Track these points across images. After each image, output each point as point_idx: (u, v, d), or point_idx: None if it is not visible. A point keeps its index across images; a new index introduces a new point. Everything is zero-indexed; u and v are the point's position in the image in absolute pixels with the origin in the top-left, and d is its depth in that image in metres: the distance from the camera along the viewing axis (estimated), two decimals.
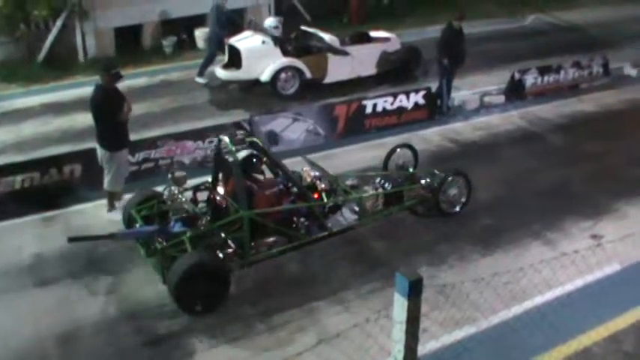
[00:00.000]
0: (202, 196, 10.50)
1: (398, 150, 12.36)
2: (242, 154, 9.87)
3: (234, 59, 16.80)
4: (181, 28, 21.17)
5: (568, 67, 18.34)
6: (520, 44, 22.83)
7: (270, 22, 17.57)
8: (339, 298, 9.40)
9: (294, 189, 10.26)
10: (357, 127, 14.68)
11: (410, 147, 12.54)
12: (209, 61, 17.85)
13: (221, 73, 17.07)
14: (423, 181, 11.41)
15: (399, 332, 5.24)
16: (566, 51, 21.11)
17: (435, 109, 15.92)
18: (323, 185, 10.69)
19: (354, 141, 14.39)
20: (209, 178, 10.52)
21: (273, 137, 13.74)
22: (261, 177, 10.30)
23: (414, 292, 5.08)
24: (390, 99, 15.19)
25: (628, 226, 11.19)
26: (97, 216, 11.41)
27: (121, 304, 9.30)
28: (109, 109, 10.82)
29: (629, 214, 11.96)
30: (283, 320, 8.93)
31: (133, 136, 11.58)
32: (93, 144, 11.55)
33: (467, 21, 16.70)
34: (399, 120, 15.22)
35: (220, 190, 10.21)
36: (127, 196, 11.21)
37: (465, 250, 10.64)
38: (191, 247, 9.07)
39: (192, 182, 10.58)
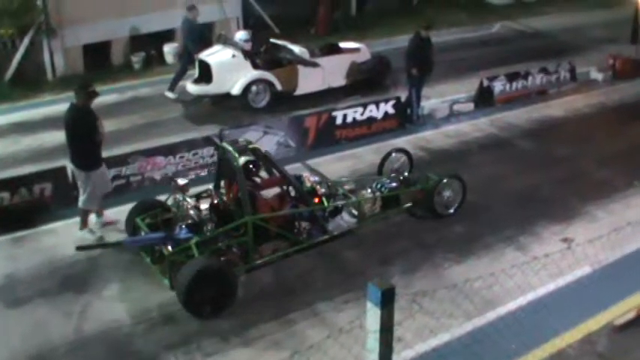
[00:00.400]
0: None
1: (393, 154, 12.69)
2: (242, 160, 10.01)
3: (205, 74, 16.79)
4: (150, 43, 21.10)
5: (536, 73, 18.53)
6: (488, 52, 23.05)
7: (240, 35, 17.62)
8: (314, 310, 9.38)
9: (296, 193, 10.58)
10: (328, 138, 14.72)
11: (404, 151, 12.90)
12: (180, 75, 17.81)
13: (192, 88, 17.04)
14: (418, 185, 11.67)
15: (373, 342, 5.24)
16: (534, 57, 21.32)
17: (405, 119, 15.98)
18: (323, 190, 11.00)
19: (325, 152, 14.43)
20: (210, 186, 10.86)
21: None
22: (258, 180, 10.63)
23: (387, 301, 5.08)
24: (360, 109, 15.23)
25: (597, 228, 11.26)
26: (69, 234, 11.31)
27: (94, 324, 9.20)
28: (84, 129, 10.71)
29: (598, 216, 12.09)
30: (259, 334, 8.90)
31: (104, 154, 11.51)
32: (63, 162, 11.50)
33: (434, 30, 16.85)
34: (370, 130, 15.26)
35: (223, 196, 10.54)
36: (109, 213, 11.39)
37: (438, 257, 10.67)
38: (197, 253, 9.28)
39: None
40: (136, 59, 20.68)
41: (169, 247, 9.54)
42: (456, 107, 17.07)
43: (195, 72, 17.18)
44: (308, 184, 10.99)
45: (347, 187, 11.43)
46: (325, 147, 14.46)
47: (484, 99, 17.50)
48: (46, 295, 9.81)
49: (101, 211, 11.57)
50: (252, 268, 9.88)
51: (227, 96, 16.78)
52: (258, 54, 17.41)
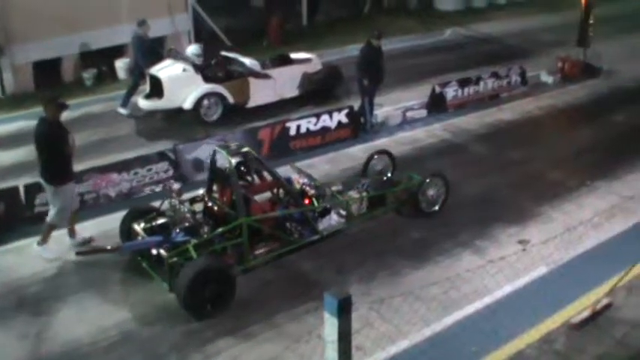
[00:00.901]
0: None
1: (375, 156, 13.04)
2: (233, 162, 10.28)
3: (156, 89, 16.64)
4: (101, 59, 20.90)
5: (487, 77, 18.68)
6: (439, 58, 23.22)
7: (192, 49, 17.50)
8: (272, 322, 9.33)
9: (287, 195, 10.91)
10: (282, 149, 14.67)
11: (387, 153, 13.28)
12: (132, 91, 17.62)
13: (143, 103, 16.88)
14: (402, 185, 12.05)
15: (331, 351, 5.24)
16: (485, 62, 21.60)
17: (359, 127, 16.01)
18: (313, 191, 11.27)
19: (279, 163, 14.29)
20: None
21: (199, 165, 13.64)
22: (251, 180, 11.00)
23: (344, 310, 5.09)
24: (313, 119, 15.24)
25: (552, 228, 11.43)
26: (24, 255, 11.11)
27: (52, 345, 9.03)
28: (54, 143, 10.57)
29: (553, 217, 12.22)
30: (217, 349, 8.82)
31: None
32: (16, 182, 11.32)
33: (386, 38, 16.90)
34: (324, 140, 15.26)
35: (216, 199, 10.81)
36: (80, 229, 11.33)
37: (395, 265, 10.67)
38: (195, 255, 9.49)
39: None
40: (88, 75, 20.45)
41: (165, 250, 9.71)
42: (409, 114, 17.14)
43: (147, 87, 17.03)
44: (297, 186, 11.31)
45: (334, 188, 11.69)
46: (280, 158, 14.36)
47: (437, 105, 17.60)
48: (1, 317, 9.61)
49: (73, 230, 11.34)
50: (248, 269, 10.09)
51: (179, 110, 16.65)
52: (210, 67, 17.32)
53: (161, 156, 13.42)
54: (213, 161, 10.92)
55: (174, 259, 9.53)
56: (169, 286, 9.52)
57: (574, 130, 16.82)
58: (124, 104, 17.57)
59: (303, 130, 15.02)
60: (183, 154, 13.58)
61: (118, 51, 20.86)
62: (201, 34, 23.50)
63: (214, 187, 11.08)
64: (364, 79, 15.89)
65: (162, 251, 9.76)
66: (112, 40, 20.51)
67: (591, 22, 20.50)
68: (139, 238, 10.26)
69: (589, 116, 17.74)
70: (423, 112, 17.42)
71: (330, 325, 5.16)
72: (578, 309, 9.34)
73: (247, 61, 17.53)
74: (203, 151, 13.75)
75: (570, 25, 22.27)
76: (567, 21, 24.57)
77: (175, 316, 9.44)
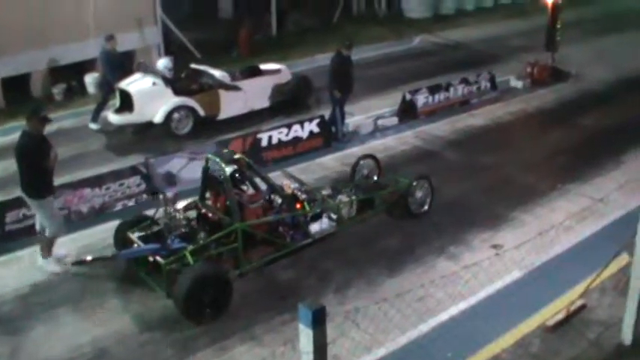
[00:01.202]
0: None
1: (361, 162, 13.27)
2: (228, 170, 10.45)
3: (126, 103, 16.55)
4: (71, 74, 20.76)
5: (457, 84, 18.80)
6: (409, 65, 23.34)
7: (162, 62, 17.43)
8: (249, 333, 9.31)
9: (279, 200, 11.08)
10: (254, 160, 14.51)
11: (372, 157, 13.56)
12: (102, 106, 17.50)
13: (113, 117, 16.77)
14: (389, 188, 12.33)
15: None
16: (454, 69, 21.71)
17: (331, 137, 16.04)
18: (304, 196, 11.47)
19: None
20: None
21: (171, 178, 13.59)
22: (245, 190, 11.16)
23: (318, 321, 5.08)
24: (284, 130, 15.23)
25: (525, 232, 11.51)
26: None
27: None
28: (36, 156, 10.43)
29: (525, 221, 12.30)
30: None
31: None
32: None
33: (355, 46, 16.91)
34: (296, 150, 15.25)
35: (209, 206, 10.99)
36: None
37: (371, 273, 10.69)
38: (192, 261, 9.66)
39: None
40: (57, 91, 20.28)
41: (161, 258, 9.77)
42: (380, 122, 17.20)
43: (117, 102, 16.93)
44: (288, 191, 11.41)
45: (324, 192, 11.95)
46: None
47: (407, 112, 17.67)
48: None
49: (47, 251, 11.06)
50: (243, 273, 10.26)
51: (150, 124, 16.58)
52: (179, 80, 17.27)
53: (133, 170, 13.34)
54: (206, 169, 11.01)
55: (172, 265, 9.65)
56: (167, 293, 9.62)
57: (544, 134, 16.96)
58: (94, 119, 17.45)
59: (274, 140, 15.01)
60: (155, 168, 13.52)
61: (87, 66, 20.73)
62: (170, 47, 23.43)
63: (207, 195, 11.22)
64: (335, 89, 15.91)
65: (158, 258, 9.83)
66: (82, 55, 20.39)
67: (559, 26, 20.69)
68: (135, 246, 10.33)
69: (558, 120, 17.88)
70: (394, 120, 17.49)
71: (305, 337, 5.16)
72: (552, 312, 9.41)
73: (217, 73, 17.50)
74: (175, 164, 13.72)
75: (538, 29, 22.50)
76: (535, 26, 24.82)
77: (150, 332, 9.40)
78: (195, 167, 13.75)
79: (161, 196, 10.89)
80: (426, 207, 12.56)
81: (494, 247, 11.36)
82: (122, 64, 17.67)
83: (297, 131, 15.35)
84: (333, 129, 16.16)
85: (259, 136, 14.88)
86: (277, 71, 18.56)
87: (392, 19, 30.63)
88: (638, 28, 28.63)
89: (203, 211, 10.91)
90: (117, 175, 13.18)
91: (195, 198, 11.17)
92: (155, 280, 10.00)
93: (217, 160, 10.60)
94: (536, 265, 10.32)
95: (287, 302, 9.79)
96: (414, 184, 12.29)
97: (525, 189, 13.62)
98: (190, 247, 9.91)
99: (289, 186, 11.65)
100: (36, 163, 10.46)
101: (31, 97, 20.22)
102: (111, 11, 19.90)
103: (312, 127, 15.51)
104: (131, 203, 13.16)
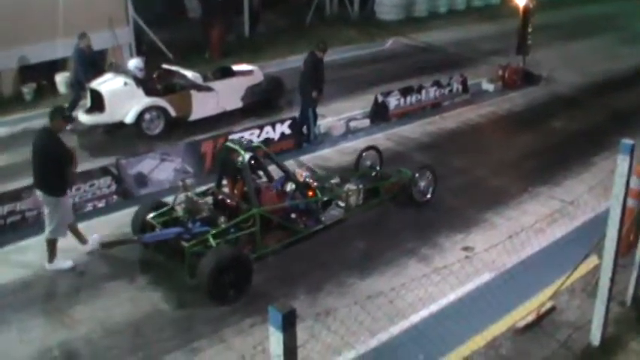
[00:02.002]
0: None
1: (364, 153, 13.89)
2: (246, 157, 11.04)
3: (97, 103, 16.42)
4: (41, 73, 20.54)
5: (429, 86, 18.84)
6: (381, 67, 23.39)
7: (134, 62, 17.29)
8: (219, 336, 9.28)
9: (293, 187, 11.70)
10: None
11: (375, 148, 14.14)
12: (73, 105, 17.36)
13: (84, 117, 16.62)
14: (392, 178, 12.97)
15: None
16: (427, 71, 21.78)
17: (302, 138, 16.01)
18: (316, 183, 12.11)
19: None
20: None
21: (142, 179, 13.50)
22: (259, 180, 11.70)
23: (288, 324, 5.04)
24: (256, 131, 15.20)
25: (496, 235, 11.56)
26: None
27: None
28: (60, 156, 10.57)
29: (496, 223, 12.39)
30: None
31: None
32: None
33: (328, 48, 16.87)
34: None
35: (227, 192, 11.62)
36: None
37: (341, 275, 10.69)
38: (214, 244, 10.16)
39: None
40: (27, 90, 20.02)
41: (184, 241, 10.19)
42: (352, 124, 17.20)
43: (87, 101, 16.79)
44: (300, 179, 12.02)
45: (333, 181, 12.64)
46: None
47: (379, 115, 17.70)
48: None
49: (52, 255, 10.95)
50: (260, 257, 10.71)
51: (121, 125, 16.46)
52: (151, 81, 17.16)
53: (104, 171, 13.23)
54: (223, 156, 11.66)
55: (195, 248, 10.04)
56: (190, 275, 9.94)
57: (515, 137, 17.06)
58: None
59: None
60: (126, 168, 13.41)
61: (58, 65, 20.53)
62: (142, 47, 23.28)
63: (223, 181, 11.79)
64: (309, 90, 15.84)
65: (182, 242, 10.21)
66: (52, 54, 20.16)
67: (530, 30, 20.83)
68: (157, 230, 10.65)
69: (529, 123, 18.00)
70: (366, 122, 17.52)
71: (275, 340, 5.12)
72: (522, 314, 9.47)
73: (189, 73, 17.42)
74: (146, 165, 13.62)
75: (510, 33, 22.59)
76: (507, 29, 24.91)
77: (121, 334, 9.33)
78: (166, 168, 13.73)
79: (180, 183, 11.32)
80: (428, 195, 13.14)
81: (465, 249, 11.43)
82: (95, 62, 17.55)
83: (268, 132, 15.33)
84: (305, 130, 16.11)
85: (231, 137, 14.78)
86: (249, 72, 18.52)
87: (364, 21, 30.66)
88: (608, 33, 29.03)
89: (220, 197, 11.42)
90: (87, 176, 13.02)
91: (211, 185, 11.82)
92: (175, 263, 10.32)
93: (237, 147, 11.15)
94: (507, 267, 10.35)
95: (257, 304, 9.76)
96: (417, 175, 12.86)
97: (496, 191, 13.70)
98: (212, 231, 10.33)
99: (301, 174, 12.36)
100: (59, 163, 10.58)
101: (0, 96, 19.97)
102: (82, 10, 19.67)
103: (284, 128, 15.50)
104: (101, 204, 13.05)
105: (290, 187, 11.81)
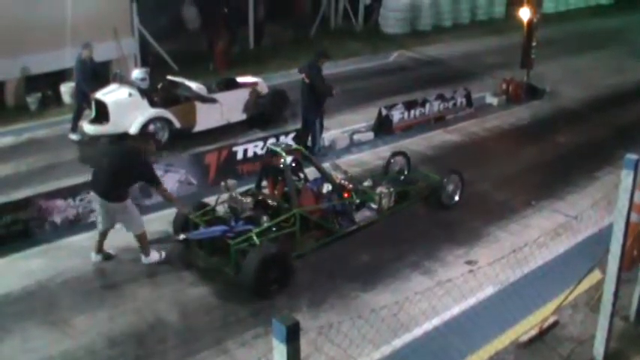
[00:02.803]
0: None
1: (393, 159, 14.44)
2: (288, 159, 11.73)
3: (102, 113, 16.44)
4: (46, 83, 20.57)
5: (433, 100, 18.86)
6: (386, 80, 23.42)
7: (137, 73, 17.31)
8: (222, 348, 9.26)
9: (329, 188, 12.14)
10: (229, 173, 14.50)
11: (403, 154, 14.65)
12: (78, 115, 17.37)
13: (89, 128, 16.63)
14: (420, 182, 13.66)
15: None
16: (431, 84, 21.84)
17: (307, 150, 15.95)
18: (351, 185, 12.58)
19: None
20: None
21: (146, 190, 13.48)
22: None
23: (292, 336, 5.04)
24: (260, 144, 15.16)
25: (499, 249, 11.57)
26: None
27: None
28: (138, 173, 11.15)
29: (500, 237, 12.39)
30: None
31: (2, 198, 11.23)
32: None
33: (333, 60, 16.90)
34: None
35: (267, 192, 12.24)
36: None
37: (345, 288, 10.69)
38: (258, 242, 10.59)
39: None
40: (32, 100, 20.04)
41: (229, 239, 10.64)
42: (356, 137, 17.22)
43: (92, 112, 16.82)
44: (336, 182, 12.43)
45: (366, 183, 13.12)
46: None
47: (383, 128, 17.73)
48: None
49: (146, 249, 11.44)
50: (299, 255, 11.18)
51: (125, 135, 16.45)
52: (156, 92, 17.19)
53: None
54: (266, 159, 12.42)
55: (239, 246, 10.46)
56: (234, 270, 10.44)
57: (519, 151, 17.07)
58: (74, 129, 17.27)
59: (250, 154, 14.97)
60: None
61: (63, 75, 20.56)
62: (147, 58, 23.33)
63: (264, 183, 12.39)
64: (321, 100, 15.86)
65: (227, 239, 10.65)
66: (57, 64, 20.15)
67: (534, 44, 20.86)
68: (201, 228, 11.05)
69: (533, 137, 18.03)
70: (370, 135, 17.54)
71: (278, 352, 5.12)
72: (525, 328, 9.46)
73: (194, 85, 17.44)
74: None
75: (514, 47, 22.66)
76: (511, 43, 24.96)
77: (124, 344, 9.33)
78: (170, 179, 13.71)
79: (222, 184, 11.69)
80: (456, 198, 13.63)
81: (469, 262, 11.44)
82: (96, 73, 17.50)
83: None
84: (309, 142, 16.08)
85: (234, 149, 14.82)
86: (254, 84, 18.53)
87: (369, 34, 30.67)
88: (612, 47, 29.05)
89: (260, 197, 11.89)
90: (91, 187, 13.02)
91: (251, 186, 12.36)
92: (218, 259, 10.91)
93: (279, 150, 11.66)
94: (510, 281, 10.34)
95: (260, 316, 9.79)
96: (445, 180, 13.38)
97: (500, 205, 13.71)
98: (256, 229, 10.74)
99: (337, 177, 12.71)
100: (134, 178, 11.28)
101: (5, 106, 20.00)
102: (87, 21, 19.74)
103: (288, 141, 15.42)
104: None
105: (326, 188, 12.21)
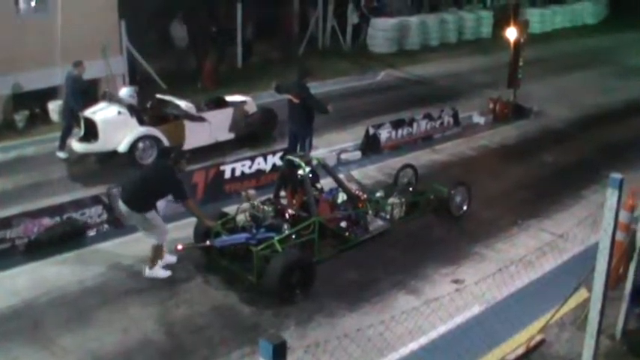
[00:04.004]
0: None
1: (402, 172, 14.92)
2: (307, 170, 12.11)
3: (90, 131, 16.43)
4: (34, 101, 20.51)
5: (420, 119, 18.92)
6: (373, 100, 23.48)
7: (125, 92, 17.35)
8: None
9: (344, 198, 12.79)
10: (217, 192, 14.56)
11: (411, 167, 15.18)
12: (66, 133, 17.34)
13: (77, 146, 16.62)
14: (429, 193, 13.96)
15: None
16: (418, 104, 21.93)
17: None
18: (365, 195, 13.20)
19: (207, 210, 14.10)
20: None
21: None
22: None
23: (279, 356, 5.05)
24: (248, 162, 15.17)
25: (486, 267, 11.64)
26: None
27: None
28: (167, 189, 11.53)
29: (486, 256, 12.44)
30: None
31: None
32: None
33: (320, 80, 16.90)
34: (259, 182, 15.11)
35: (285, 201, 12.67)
36: None
37: (332, 306, 10.70)
38: (280, 249, 10.93)
39: None
40: (19, 118, 19.97)
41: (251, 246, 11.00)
42: (343, 156, 17.24)
43: (81, 130, 16.81)
44: (352, 192, 13.04)
45: (378, 194, 13.59)
46: (214, 202, 14.14)
47: (371, 147, 17.77)
48: None
49: (153, 261, 11.64)
50: (319, 261, 11.50)
51: (114, 153, 16.47)
52: (145, 110, 17.20)
53: (95, 200, 13.22)
54: (284, 169, 12.79)
55: (262, 252, 10.82)
56: (257, 277, 10.73)
57: (505, 169, 17.16)
58: (62, 147, 17.25)
59: (237, 173, 14.95)
60: (118, 197, 13.38)
61: (51, 93, 20.52)
62: (136, 76, 23.35)
63: (282, 193, 12.80)
64: (312, 116, 15.89)
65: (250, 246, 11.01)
66: (46, 82, 20.13)
67: (521, 64, 20.99)
68: (223, 236, 11.32)
69: (519, 156, 18.13)
70: (358, 154, 17.57)
71: None
72: (512, 346, 9.50)
73: (182, 103, 17.44)
74: None
75: (501, 66, 22.81)
76: (498, 63, 25.18)
77: None
78: None
79: (243, 193, 12.40)
80: (465, 207, 14.05)
81: (455, 281, 11.47)
82: (86, 91, 17.53)
83: (260, 164, 15.29)
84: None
85: (222, 167, 14.81)
86: (242, 103, 18.56)
87: (357, 53, 30.83)
88: (599, 66, 29.32)
89: (279, 206, 12.28)
90: (78, 205, 13.02)
91: (269, 196, 12.73)
92: (240, 266, 11.22)
93: (298, 160, 12.20)
94: (497, 300, 10.39)
95: (247, 335, 9.79)
96: (452, 191, 13.77)
97: (486, 224, 13.76)
98: (277, 237, 11.10)
99: (352, 187, 13.40)
100: (162, 194, 11.73)
101: None
102: (76, 39, 19.73)
103: (276, 160, 15.43)
104: (92, 233, 13.03)
105: (341, 198, 12.82)
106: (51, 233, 12.57)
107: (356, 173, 16.43)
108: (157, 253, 11.51)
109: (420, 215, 13.60)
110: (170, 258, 11.91)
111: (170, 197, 12.08)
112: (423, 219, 13.69)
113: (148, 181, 11.50)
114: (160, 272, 11.54)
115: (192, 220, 12.10)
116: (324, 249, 11.92)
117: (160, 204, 13.11)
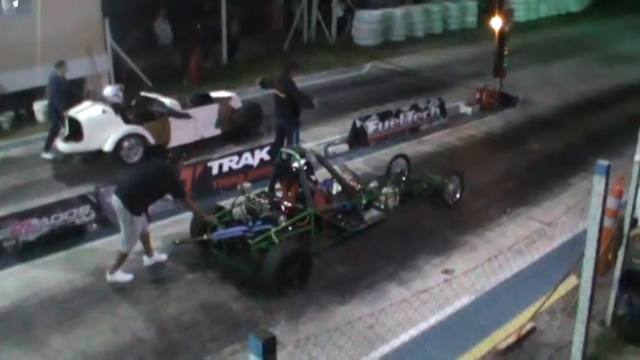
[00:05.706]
0: None
1: (394, 161, 15.00)
2: (302, 162, 12.17)
3: (75, 131, 16.37)
4: (19, 102, 20.40)
5: (407, 110, 18.91)
6: (360, 92, 23.50)
7: (109, 90, 17.27)
8: None
9: (339, 189, 12.86)
10: (204, 189, 14.51)
11: (404, 156, 15.25)
12: (53, 134, 17.25)
13: (62, 146, 16.56)
14: (423, 183, 14.00)
15: None
16: (405, 95, 21.92)
17: None
18: (359, 186, 13.21)
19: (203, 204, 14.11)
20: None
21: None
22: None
23: (269, 351, 5.04)
24: (235, 158, 15.15)
25: (476, 257, 11.62)
26: None
27: None
28: (164, 189, 11.44)
29: (476, 245, 12.43)
30: None
31: None
32: None
33: (306, 73, 16.86)
34: (247, 178, 15.01)
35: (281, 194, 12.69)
36: None
37: (322, 300, 10.67)
38: (277, 240, 11.01)
39: None
40: (5, 119, 19.86)
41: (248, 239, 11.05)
42: (330, 149, 17.20)
43: (66, 129, 16.73)
44: (346, 182, 13.03)
45: (372, 184, 13.61)
46: (203, 198, 14.10)
47: (358, 139, 17.76)
48: None
49: (151, 251, 11.86)
50: (315, 253, 11.57)
51: (99, 153, 16.40)
52: (129, 108, 17.13)
53: (82, 199, 13.16)
54: (279, 162, 12.75)
55: (259, 244, 10.89)
56: (255, 269, 10.78)
57: (493, 159, 17.18)
58: (47, 148, 17.16)
59: (225, 168, 14.93)
60: (106, 196, 13.32)
61: (36, 93, 20.40)
62: (121, 74, 23.25)
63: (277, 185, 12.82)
64: (294, 113, 15.85)
65: (247, 239, 11.05)
66: (30, 82, 20.03)
67: (506, 53, 20.99)
68: (219, 229, 11.35)
69: (507, 145, 18.14)
70: (345, 147, 17.55)
71: None
72: (503, 335, 9.50)
73: (167, 101, 17.37)
74: None
75: (486, 56, 22.80)
76: (483, 52, 25.19)
77: None
78: None
79: (239, 187, 12.59)
80: (457, 196, 14.19)
81: (446, 272, 11.46)
82: (70, 91, 17.45)
83: (247, 159, 15.28)
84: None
85: (210, 164, 14.77)
86: (228, 99, 18.52)
87: (342, 46, 30.81)
88: (584, 54, 29.39)
89: (275, 199, 12.32)
90: (66, 205, 12.96)
91: (264, 189, 12.74)
92: (237, 259, 11.25)
93: (293, 152, 12.32)
94: (487, 289, 10.39)
95: (238, 332, 9.76)
96: (445, 180, 13.89)
97: (475, 214, 13.77)
98: (274, 229, 11.15)
99: (346, 178, 13.24)
100: (157, 194, 11.53)
101: None
102: (60, 38, 19.64)
103: (263, 154, 15.43)
104: (81, 233, 12.96)
105: (336, 189, 12.92)
106: (39, 234, 12.51)
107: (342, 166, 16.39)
108: (120, 259, 11.23)
109: (414, 204, 13.66)
110: (160, 256, 11.90)
111: (167, 196, 11.90)
112: (414, 209, 13.68)
113: (148, 180, 11.34)
114: (121, 277, 11.28)
115: (188, 214, 12.12)
116: (321, 240, 11.99)
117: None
